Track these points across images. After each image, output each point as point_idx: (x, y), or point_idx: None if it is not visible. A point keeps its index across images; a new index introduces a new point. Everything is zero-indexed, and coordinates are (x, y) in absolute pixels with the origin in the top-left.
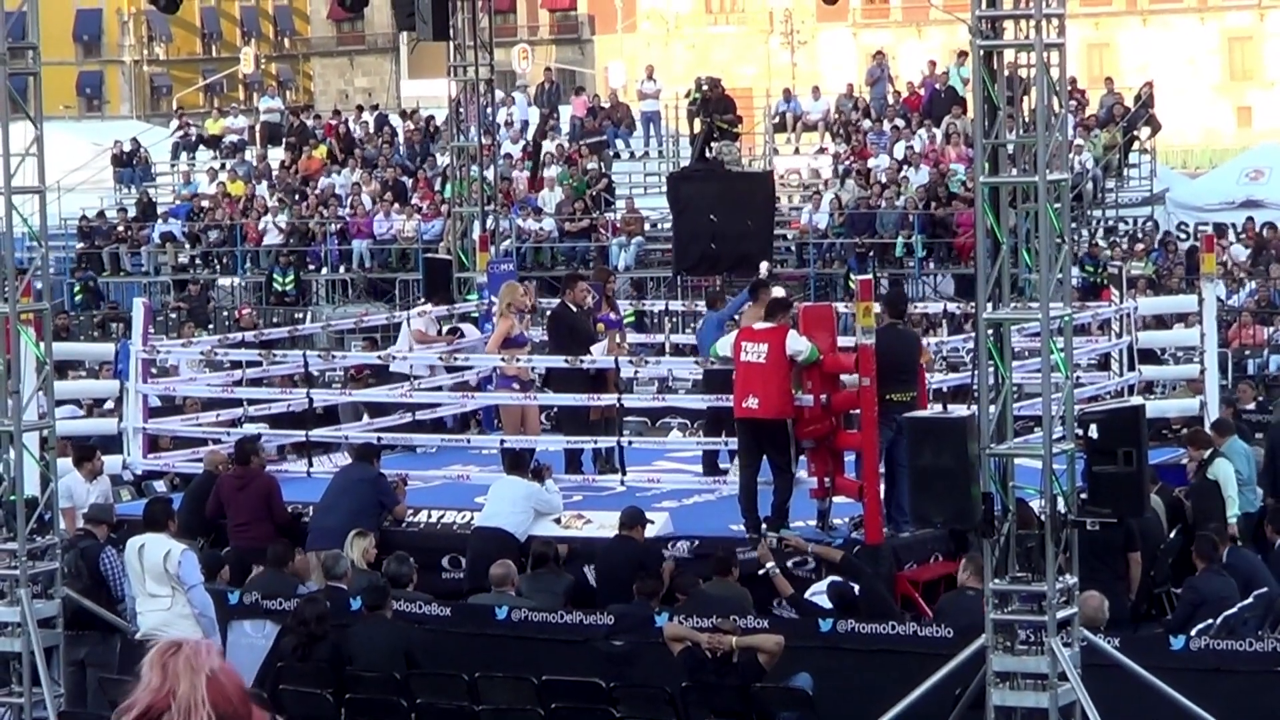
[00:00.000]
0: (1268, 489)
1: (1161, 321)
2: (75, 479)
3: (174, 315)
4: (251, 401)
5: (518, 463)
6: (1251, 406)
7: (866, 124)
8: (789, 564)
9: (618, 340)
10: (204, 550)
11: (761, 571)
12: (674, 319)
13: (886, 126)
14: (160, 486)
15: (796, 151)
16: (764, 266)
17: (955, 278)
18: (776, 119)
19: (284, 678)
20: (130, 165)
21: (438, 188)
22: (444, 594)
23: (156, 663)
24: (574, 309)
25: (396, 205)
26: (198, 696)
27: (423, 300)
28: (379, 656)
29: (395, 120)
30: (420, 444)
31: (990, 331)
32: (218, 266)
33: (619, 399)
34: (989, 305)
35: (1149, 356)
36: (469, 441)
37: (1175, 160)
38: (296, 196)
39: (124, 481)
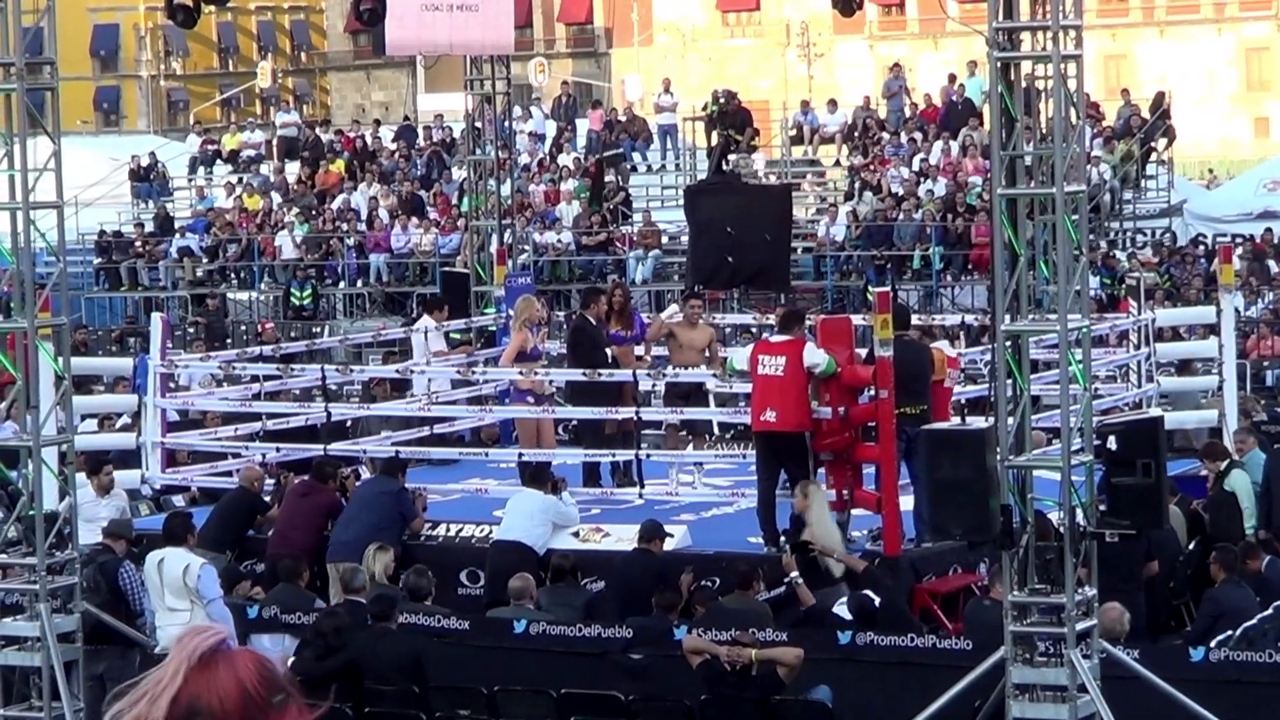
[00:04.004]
0: (1262, 518)
1: (1177, 334)
2: (86, 494)
3: (191, 330)
4: (270, 416)
5: (535, 476)
6: (1263, 418)
7: (884, 136)
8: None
9: (639, 354)
10: (230, 563)
11: (786, 580)
12: None
13: (904, 139)
14: (179, 501)
15: (813, 164)
16: (672, 309)
17: (986, 290)
18: (793, 131)
19: (301, 691)
20: (148, 180)
21: (455, 201)
22: (463, 607)
23: (173, 645)
24: (594, 323)
25: (414, 219)
26: (173, 682)
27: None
28: (386, 667)
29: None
30: (442, 456)
31: (1008, 343)
32: (235, 281)
33: (637, 412)
34: (1007, 317)
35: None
36: (487, 455)
37: (1193, 171)
38: (313, 211)
39: (143, 496)
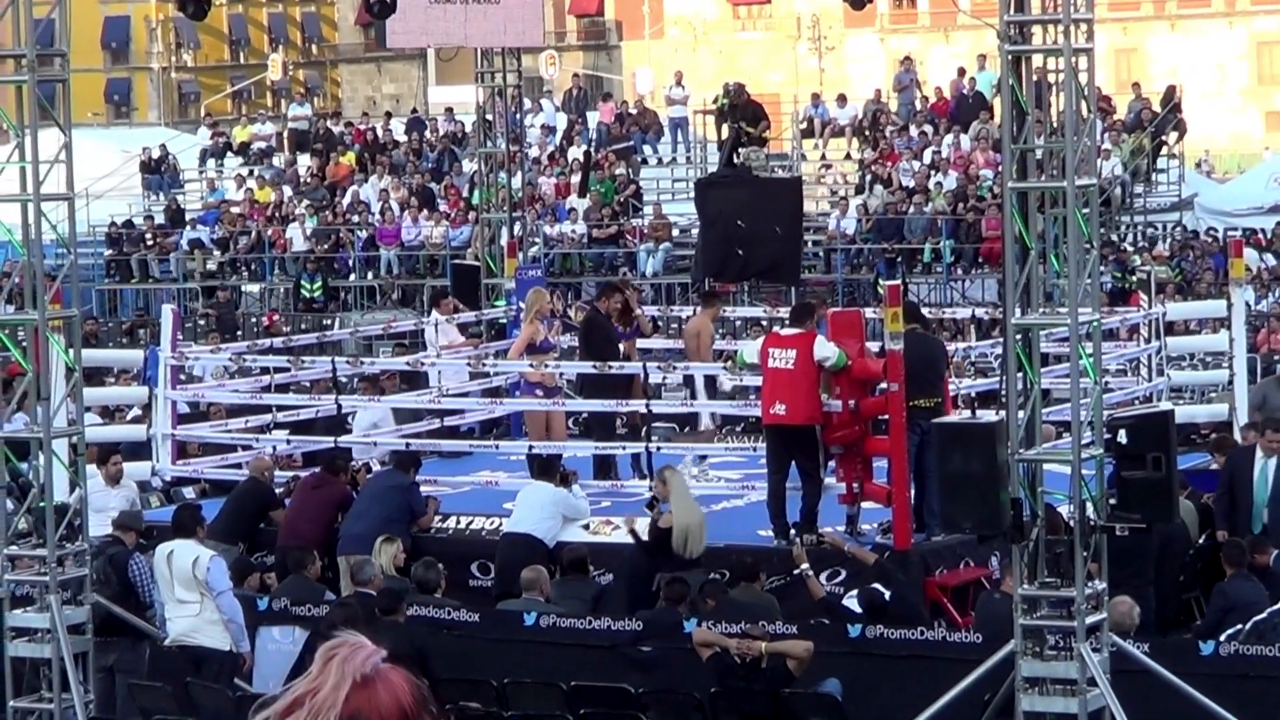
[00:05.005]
0: (1222, 519)
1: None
2: (95, 484)
3: (202, 322)
4: (280, 408)
5: (545, 468)
6: None
7: (890, 130)
8: (822, 577)
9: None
10: (241, 555)
11: (795, 573)
12: None
13: (914, 132)
14: (189, 493)
15: (823, 157)
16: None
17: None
18: (804, 125)
19: None
20: (158, 172)
21: (465, 194)
22: (473, 600)
23: (322, 656)
24: (606, 316)
25: (424, 211)
26: (336, 699)
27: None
28: (395, 661)
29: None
30: (453, 448)
31: (1019, 337)
32: (245, 273)
33: (647, 405)
34: (1017, 310)
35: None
36: (497, 447)
37: (1203, 165)
38: (324, 203)
39: (153, 488)
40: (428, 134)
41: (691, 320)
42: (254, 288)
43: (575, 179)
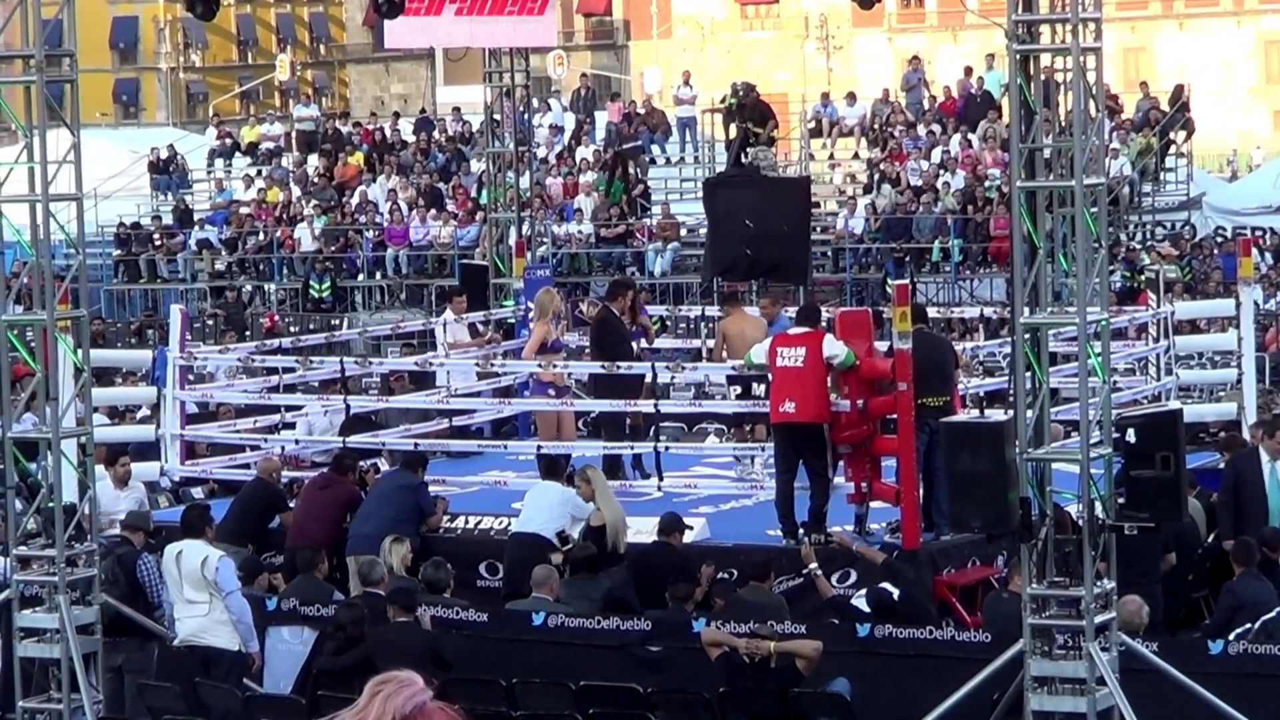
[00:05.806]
0: (1229, 523)
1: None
2: (105, 486)
3: (210, 322)
4: (288, 408)
5: (554, 468)
6: None
7: (896, 131)
8: (832, 578)
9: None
10: (251, 555)
11: (804, 572)
12: (710, 324)
13: (922, 131)
14: (198, 493)
15: (831, 157)
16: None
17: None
18: (812, 124)
19: (322, 683)
20: (167, 172)
21: (473, 194)
22: (482, 600)
23: (370, 689)
24: (619, 315)
25: (433, 212)
26: None
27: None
28: (409, 660)
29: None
30: (462, 449)
31: (1027, 336)
32: (254, 273)
33: (655, 405)
34: (1026, 310)
35: None
36: (505, 447)
37: (1212, 164)
38: (332, 203)
39: (162, 488)
40: (436, 134)
41: (730, 320)
42: (268, 287)
43: (584, 179)
